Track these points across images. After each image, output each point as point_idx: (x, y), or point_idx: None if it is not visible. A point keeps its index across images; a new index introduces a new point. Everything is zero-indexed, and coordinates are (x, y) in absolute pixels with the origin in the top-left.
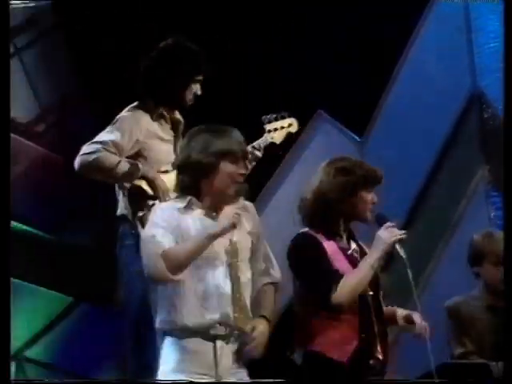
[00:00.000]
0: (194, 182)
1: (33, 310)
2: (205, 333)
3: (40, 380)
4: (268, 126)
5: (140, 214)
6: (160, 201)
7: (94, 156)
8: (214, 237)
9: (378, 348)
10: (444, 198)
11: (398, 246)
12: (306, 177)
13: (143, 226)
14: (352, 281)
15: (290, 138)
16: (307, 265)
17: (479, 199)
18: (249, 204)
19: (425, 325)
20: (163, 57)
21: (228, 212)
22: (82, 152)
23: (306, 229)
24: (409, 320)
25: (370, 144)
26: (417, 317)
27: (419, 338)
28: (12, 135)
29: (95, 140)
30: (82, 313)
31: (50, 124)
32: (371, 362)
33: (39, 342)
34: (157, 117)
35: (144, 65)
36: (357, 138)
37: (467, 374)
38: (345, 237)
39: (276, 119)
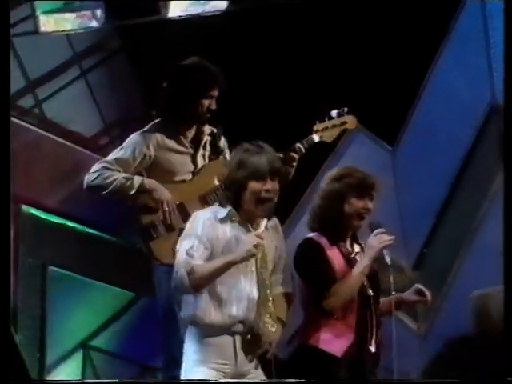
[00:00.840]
0: (233, 196)
1: (99, 304)
2: (227, 329)
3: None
4: (317, 126)
5: (143, 221)
6: (161, 209)
7: (95, 175)
8: (234, 263)
9: (372, 341)
10: (467, 201)
11: (385, 252)
12: None
13: (144, 235)
14: (342, 288)
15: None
16: (307, 269)
17: (499, 202)
18: (277, 221)
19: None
20: (174, 77)
21: (255, 233)
22: (90, 171)
23: (312, 234)
24: (421, 293)
25: (400, 152)
26: (423, 289)
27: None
28: (79, 148)
29: (101, 160)
30: (142, 306)
31: (114, 137)
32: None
33: (104, 333)
34: (172, 132)
35: (160, 85)
36: (389, 147)
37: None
38: (348, 241)
39: (330, 118)
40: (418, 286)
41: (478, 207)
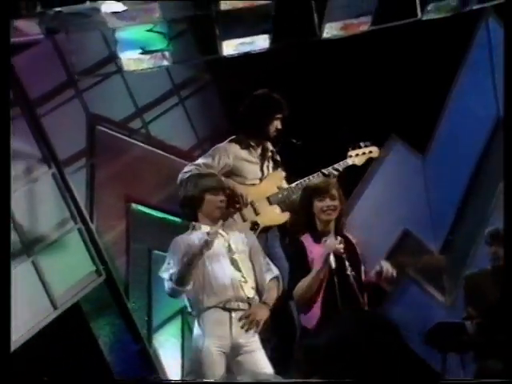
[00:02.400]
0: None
1: None
2: (222, 308)
3: None
4: (351, 152)
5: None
6: (241, 201)
7: (187, 174)
8: (195, 256)
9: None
10: (480, 197)
11: (331, 256)
12: (381, 187)
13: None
14: (304, 284)
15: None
16: (290, 265)
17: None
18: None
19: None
20: (248, 104)
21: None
22: (182, 171)
23: (304, 235)
24: (379, 273)
25: (429, 158)
26: (384, 266)
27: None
28: (177, 158)
29: (193, 162)
30: None
31: (204, 150)
32: None
33: None
34: (246, 146)
35: (238, 110)
36: (420, 154)
37: (449, 332)
38: (332, 234)
39: (359, 147)
40: (377, 267)
41: (488, 202)
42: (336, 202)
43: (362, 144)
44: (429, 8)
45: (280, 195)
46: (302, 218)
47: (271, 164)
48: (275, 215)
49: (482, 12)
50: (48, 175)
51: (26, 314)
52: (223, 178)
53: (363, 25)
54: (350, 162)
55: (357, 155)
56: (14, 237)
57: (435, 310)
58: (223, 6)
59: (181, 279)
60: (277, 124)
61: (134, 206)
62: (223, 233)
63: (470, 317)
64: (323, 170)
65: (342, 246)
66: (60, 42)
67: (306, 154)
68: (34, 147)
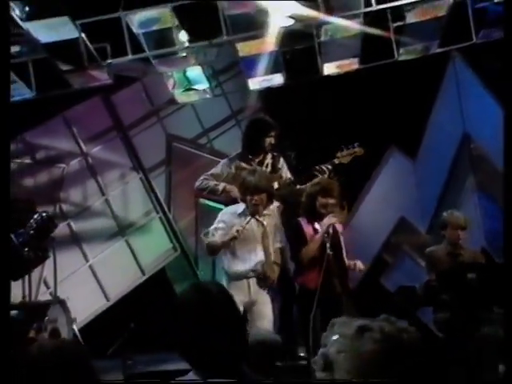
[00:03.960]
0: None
1: None
2: (244, 276)
3: None
4: (338, 154)
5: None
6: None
7: (199, 182)
8: (229, 240)
9: (337, 284)
10: (453, 191)
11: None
12: (383, 185)
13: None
14: (307, 248)
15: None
16: (292, 238)
17: (468, 192)
18: (275, 210)
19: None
20: (246, 127)
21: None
22: (198, 179)
23: (300, 218)
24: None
25: (418, 163)
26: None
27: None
28: None
29: (205, 173)
30: None
31: None
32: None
33: None
34: (245, 159)
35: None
36: (412, 160)
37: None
38: (327, 223)
39: (343, 150)
40: (352, 264)
41: (459, 195)
42: (335, 201)
43: (349, 147)
44: (401, 51)
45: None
46: (306, 207)
47: (269, 169)
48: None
49: (449, 53)
50: (137, 179)
51: (120, 279)
52: (226, 186)
53: (353, 64)
54: (336, 161)
55: (343, 156)
56: (112, 222)
57: (423, 276)
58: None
59: (211, 250)
60: (270, 141)
61: (201, 200)
62: (263, 220)
63: (430, 281)
64: (316, 168)
65: (336, 219)
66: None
67: (310, 159)
68: (126, 159)
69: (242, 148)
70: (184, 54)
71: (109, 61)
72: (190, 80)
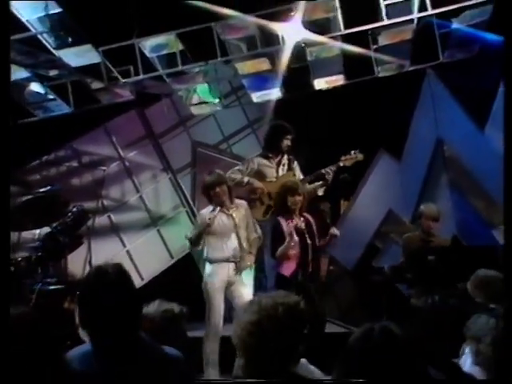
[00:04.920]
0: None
1: None
2: (224, 261)
3: None
4: (342, 158)
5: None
6: (257, 195)
7: (229, 173)
8: (201, 232)
9: (310, 269)
10: (431, 186)
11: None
12: (375, 182)
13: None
14: (280, 251)
15: (359, 163)
16: (271, 235)
17: (443, 186)
18: (245, 204)
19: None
20: (267, 130)
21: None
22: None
23: (278, 216)
24: (332, 236)
25: (402, 163)
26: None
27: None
28: None
29: (233, 168)
30: None
31: None
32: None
33: None
34: (266, 157)
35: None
36: (398, 161)
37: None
38: (297, 217)
39: (349, 154)
40: (331, 231)
41: (435, 190)
42: (301, 198)
43: (351, 152)
44: (379, 69)
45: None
46: (279, 207)
47: (286, 168)
48: None
49: (425, 70)
50: (166, 179)
51: (152, 262)
52: (249, 179)
53: (339, 80)
54: (341, 164)
55: (346, 160)
56: (145, 215)
57: None
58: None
59: (192, 242)
60: (287, 142)
61: None
62: (232, 213)
63: (401, 263)
64: (322, 170)
65: (303, 223)
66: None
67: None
68: (157, 162)
69: (262, 148)
70: (195, 72)
71: (124, 80)
72: (201, 95)
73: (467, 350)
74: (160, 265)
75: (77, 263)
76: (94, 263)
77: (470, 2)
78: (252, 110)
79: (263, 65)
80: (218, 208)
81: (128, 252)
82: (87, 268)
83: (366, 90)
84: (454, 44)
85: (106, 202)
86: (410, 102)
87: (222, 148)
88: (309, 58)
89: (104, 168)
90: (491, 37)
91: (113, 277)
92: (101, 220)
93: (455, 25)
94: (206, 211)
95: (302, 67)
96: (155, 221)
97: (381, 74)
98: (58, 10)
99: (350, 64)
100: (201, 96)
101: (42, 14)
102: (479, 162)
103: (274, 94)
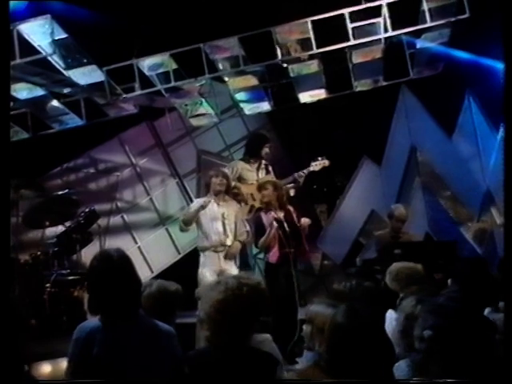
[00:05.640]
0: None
1: None
2: (213, 249)
3: None
4: (312, 164)
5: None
6: (239, 198)
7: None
8: (195, 211)
9: (292, 255)
10: (406, 189)
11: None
12: (359, 186)
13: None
14: (263, 239)
15: (327, 168)
16: (254, 228)
17: (417, 190)
18: (232, 200)
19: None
20: (249, 138)
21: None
22: None
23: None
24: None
25: (383, 168)
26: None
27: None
28: None
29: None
30: None
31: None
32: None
33: None
34: (248, 162)
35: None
36: (378, 166)
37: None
38: (277, 210)
39: (317, 160)
40: (303, 220)
41: (410, 191)
42: (268, 191)
43: (319, 158)
44: (355, 84)
45: None
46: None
47: (264, 172)
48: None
49: (399, 84)
50: (174, 183)
51: (161, 257)
52: (236, 183)
53: (322, 94)
54: (311, 168)
55: (316, 165)
56: (155, 215)
57: None
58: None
59: (185, 222)
60: (266, 150)
61: None
62: (222, 205)
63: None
64: (294, 174)
65: (282, 215)
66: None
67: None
68: (166, 168)
69: (244, 154)
70: (192, 87)
71: (124, 95)
72: (205, 107)
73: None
74: (168, 259)
75: (90, 257)
76: None
77: (426, 25)
78: (251, 121)
79: (251, 81)
80: (213, 196)
81: (139, 248)
82: None
83: (354, 105)
84: (420, 62)
85: (119, 204)
86: (388, 113)
87: (224, 155)
88: (291, 75)
89: (118, 173)
90: (458, 54)
91: (115, 260)
92: (115, 220)
93: (419, 45)
94: (199, 199)
95: (287, 82)
96: (164, 220)
97: (357, 89)
98: (65, 35)
99: (331, 79)
100: (205, 108)
101: (51, 39)
102: (448, 166)
103: (264, 107)
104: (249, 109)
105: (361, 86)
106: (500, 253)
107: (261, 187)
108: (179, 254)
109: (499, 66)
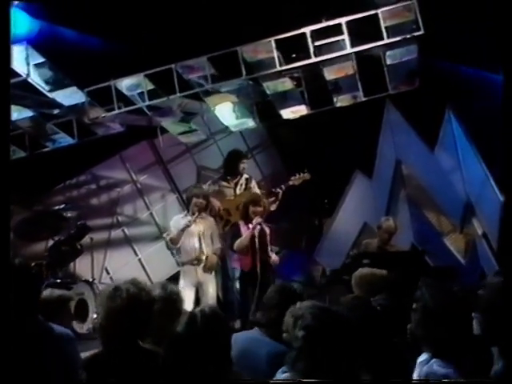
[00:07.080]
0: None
1: None
2: (191, 263)
3: None
4: (292, 178)
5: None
6: (212, 211)
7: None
8: (180, 232)
9: (258, 269)
10: (393, 200)
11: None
12: (352, 198)
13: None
14: (238, 242)
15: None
16: (231, 235)
17: (403, 206)
18: (208, 217)
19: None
20: (226, 156)
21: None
22: None
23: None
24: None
25: (373, 181)
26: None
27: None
28: None
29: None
30: None
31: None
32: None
33: None
34: (225, 180)
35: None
36: (369, 178)
37: None
38: (255, 222)
39: (295, 175)
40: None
41: (396, 203)
42: (261, 209)
43: (297, 174)
44: (335, 100)
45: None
46: (242, 214)
47: (243, 187)
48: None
49: (384, 99)
50: (174, 198)
51: (161, 269)
52: (211, 199)
53: (302, 110)
54: (290, 183)
55: (296, 179)
56: (155, 229)
57: None
58: None
59: (172, 241)
60: (243, 166)
61: None
62: (199, 222)
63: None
64: (273, 189)
65: (257, 229)
66: None
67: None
68: (166, 184)
69: (222, 172)
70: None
71: (103, 115)
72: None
73: None
74: (168, 271)
75: (85, 268)
76: (111, 269)
77: (383, 42)
78: (251, 137)
79: (230, 98)
80: (194, 215)
81: (140, 260)
82: (102, 272)
83: (340, 118)
84: (396, 78)
85: (120, 218)
86: (377, 128)
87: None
88: (268, 92)
89: (119, 189)
90: (438, 67)
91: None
92: (116, 233)
93: (389, 61)
94: (178, 217)
95: (268, 100)
96: (163, 234)
97: (338, 105)
98: (42, 59)
99: (311, 95)
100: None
101: (31, 63)
102: (431, 178)
103: (249, 123)
104: (234, 126)
105: (340, 101)
106: (482, 263)
107: (255, 202)
108: (178, 265)
109: (481, 76)
